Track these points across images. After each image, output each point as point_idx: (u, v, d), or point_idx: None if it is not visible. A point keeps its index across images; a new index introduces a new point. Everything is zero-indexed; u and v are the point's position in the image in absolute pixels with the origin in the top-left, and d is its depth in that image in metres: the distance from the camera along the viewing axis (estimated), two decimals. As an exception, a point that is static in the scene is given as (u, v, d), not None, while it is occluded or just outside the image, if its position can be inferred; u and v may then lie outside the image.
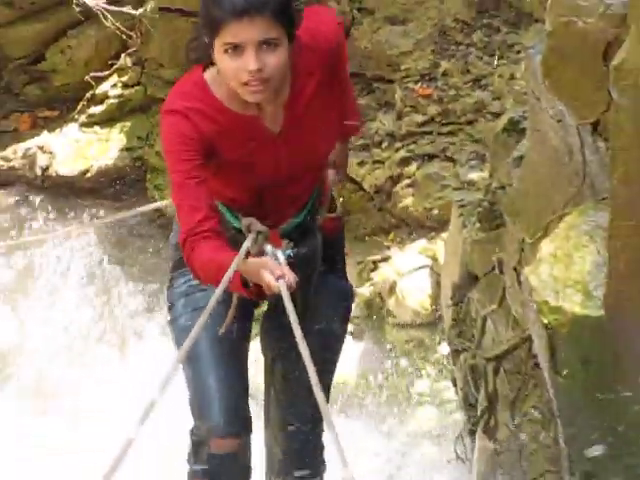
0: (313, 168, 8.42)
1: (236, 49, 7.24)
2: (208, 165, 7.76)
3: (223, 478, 8.98)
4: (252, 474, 9.44)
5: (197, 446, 8.92)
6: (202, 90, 7.76)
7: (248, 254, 7.43)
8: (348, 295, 9.43)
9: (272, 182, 8.05)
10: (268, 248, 7.48)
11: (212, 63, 7.56)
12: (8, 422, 16.35)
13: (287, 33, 7.40)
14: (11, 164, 16.98)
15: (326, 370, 8.87)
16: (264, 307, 9.26)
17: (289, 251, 7.70)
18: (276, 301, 7.59)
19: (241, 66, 7.21)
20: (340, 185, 8.93)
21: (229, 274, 7.08)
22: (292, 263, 7.40)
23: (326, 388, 8.80)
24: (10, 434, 16.15)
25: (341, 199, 13.73)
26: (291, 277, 7.02)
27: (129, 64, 16.16)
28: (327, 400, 8.04)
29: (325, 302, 8.90)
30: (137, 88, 16.28)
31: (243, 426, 8.85)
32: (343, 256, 9.49)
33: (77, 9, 15.86)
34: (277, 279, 7.01)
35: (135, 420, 6.45)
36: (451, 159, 14.94)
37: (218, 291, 7.19)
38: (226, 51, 7.23)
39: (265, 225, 7.70)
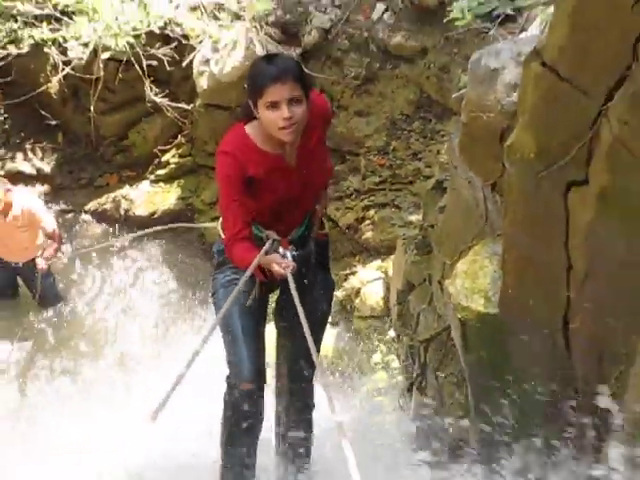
0: (312, 193, 8.91)
1: (274, 105, 7.96)
2: (247, 188, 8.33)
3: (244, 407, 9.06)
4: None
5: (230, 387, 9.24)
6: (244, 137, 8.43)
7: (267, 253, 8.41)
8: (333, 285, 9.97)
9: (286, 199, 8.55)
10: (280, 250, 8.45)
11: (252, 118, 8.32)
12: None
13: (305, 93, 8.10)
14: (104, 207, 16.70)
15: (318, 334, 9.32)
16: (276, 294, 9.63)
17: (293, 252, 8.49)
18: (283, 284, 8.60)
19: (278, 116, 7.95)
20: (324, 213, 9.37)
21: (254, 264, 8.29)
22: (294, 260, 8.36)
23: (318, 346, 9.07)
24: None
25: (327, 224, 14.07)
26: (293, 267, 8.19)
27: (183, 141, 15.90)
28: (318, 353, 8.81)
29: (317, 288, 9.27)
30: (188, 158, 16.01)
31: (261, 376, 9.21)
32: (329, 259, 9.84)
33: (148, 104, 15.61)
34: (284, 269, 8.16)
35: (183, 364, 7.39)
36: (398, 207, 15.04)
37: (247, 272, 8.35)
38: (267, 107, 7.98)
39: (278, 235, 8.56)
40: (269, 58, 8.57)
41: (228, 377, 9.20)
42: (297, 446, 9.51)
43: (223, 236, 8.93)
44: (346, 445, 6.32)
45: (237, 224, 8.44)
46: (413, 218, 12.49)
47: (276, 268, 8.23)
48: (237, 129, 8.56)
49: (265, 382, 9.27)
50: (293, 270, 8.20)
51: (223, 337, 9.09)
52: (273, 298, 9.71)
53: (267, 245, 8.45)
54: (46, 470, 11.91)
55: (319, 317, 9.40)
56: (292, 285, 8.16)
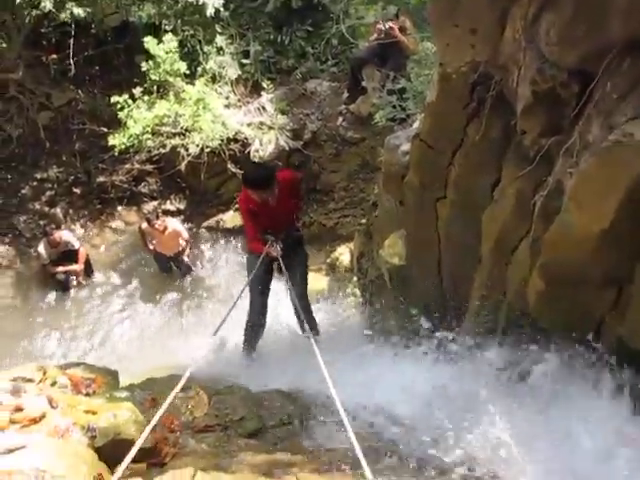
0: (286, 218, 9.36)
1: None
2: (253, 216, 9.01)
3: (254, 331, 9.80)
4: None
5: (247, 323, 9.80)
6: (247, 193, 8.85)
7: (267, 244, 9.01)
8: (306, 256, 10.09)
9: (273, 221, 9.05)
10: (274, 245, 8.99)
11: None
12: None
13: (267, 187, 8.61)
14: (210, 224, 16.55)
15: (302, 286, 9.76)
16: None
17: (280, 245, 9.03)
18: (278, 261, 9.08)
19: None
20: (297, 226, 9.94)
21: (265, 251, 8.93)
22: (282, 249, 9.02)
23: (305, 290, 9.87)
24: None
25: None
26: (280, 251, 8.95)
27: None
28: (306, 294, 9.94)
29: (296, 262, 9.52)
30: None
31: (263, 315, 9.78)
32: (303, 247, 10.04)
33: (228, 173, 15.56)
34: (276, 252, 8.98)
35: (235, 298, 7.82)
36: (355, 216, 14.86)
37: (262, 256, 8.90)
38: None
39: (273, 236, 9.07)
40: (248, 175, 9.01)
41: (247, 318, 9.78)
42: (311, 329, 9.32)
43: (247, 236, 9.84)
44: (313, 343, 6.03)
45: (251, 232, 9.27)
46: (363, 221, 12.33)
47: (272, 253, 9.00)
48: (245, 190, 8.91)
49: (265, 317, 9.91)
50: (279, 253, 8.98)
51: (249, 293, 9.58)
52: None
53: (268, 242, 9.05)
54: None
55: (301, 272, 9.75)
56: (281, 261, 8.97)
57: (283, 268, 9.00)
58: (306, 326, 7.70)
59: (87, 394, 6.93)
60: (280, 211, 9.09)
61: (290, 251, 9.32)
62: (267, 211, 8.95)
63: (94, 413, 6.05)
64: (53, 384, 6.72)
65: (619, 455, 5.54)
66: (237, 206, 15.81)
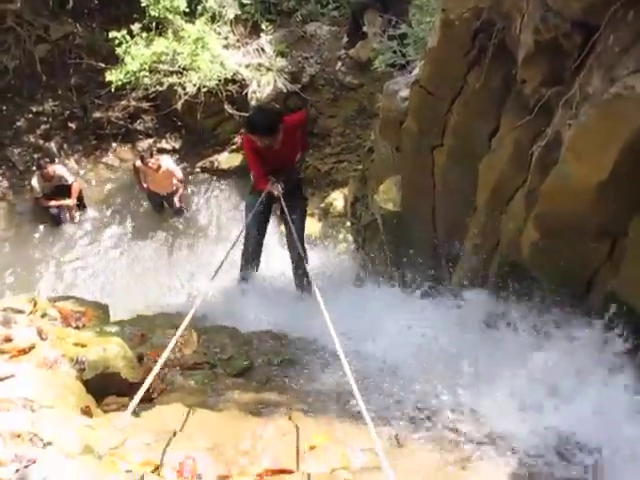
0: (289, 160, 9.46)
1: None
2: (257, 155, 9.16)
3: (250, 254, 9.93)
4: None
5: (241, 258, 10.07)
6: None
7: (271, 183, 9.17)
8: (306, 199, 10.45)
9: (276, 163, 9.16)
10: (276, 184, 9.12)
11: None
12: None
13: (271, 132, 8.76)
14: (206, 165, 16.37)
15: (300, 228, 9.73)
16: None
17: (282, 184, 9.15)
18: (279, 201, 9.12)
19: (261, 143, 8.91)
20: (298, 168, 10.06)
21: (267, 189, 9.16)
22: (282, 188, 9.13)
23: (302, 232, 9.88)
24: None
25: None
26: (282, 190, 9.06)
27: (242, 132, 15.61)
28: (303, 236, 9.91)
29: (296, 203, 9.57)
30: None
31: (258, 247, 9.95)
32: (302, 191, 10.32)
33: (225, 114, 15.47)
34: (278, 191, 9.08)
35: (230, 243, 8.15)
36: (350, 161, 14.80)
37: (263, 194, 9.15)
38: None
39: (275, 177, 9.16)
40: (250, 121, 9.17)
41: (241, 252, 9.96)
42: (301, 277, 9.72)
43: (252, 173, 9.76)
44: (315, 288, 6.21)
45: (257, 168, 9.33)
46: (358, 167, 12.32)
47: (274, 191, 9.08)
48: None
49: (260, 256, 10.06)
50: (280, 192, 9.03)
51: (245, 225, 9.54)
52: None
53: (270, 182, 9.13)
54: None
55: (299, 212, 9.75)
56: (282, 200, 9.00)
57: (284, 207, 8.93)
58: (309, 287, 8.18)
59: (77, 327, 6.98)
60: (283, 155, 9.22)
61: (290, 194, 9.34)
62: (270, 154, 9.04)
63: (83, 346, 6.06)
64: (43, 316, 6.75)
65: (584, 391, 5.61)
66: (233, 147, 15.93)
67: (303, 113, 10.39)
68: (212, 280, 6.66)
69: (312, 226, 13.60)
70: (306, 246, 10.27)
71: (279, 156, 9.12)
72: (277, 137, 8.81)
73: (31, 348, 5.77)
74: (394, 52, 11.00)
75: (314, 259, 11.16)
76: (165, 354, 4.84)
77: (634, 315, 5.45)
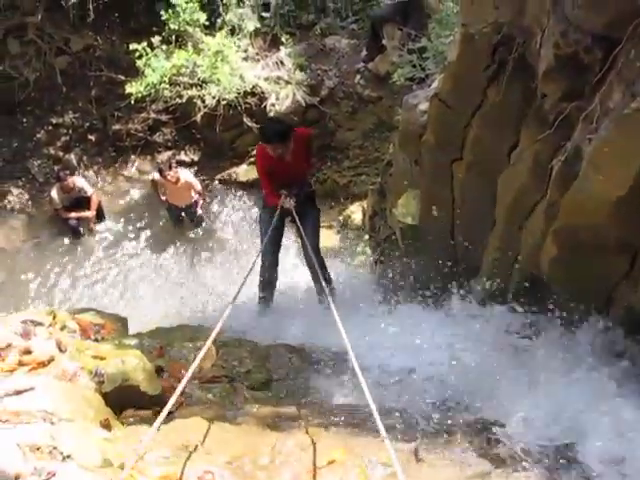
0: (300, 174, 9.68)
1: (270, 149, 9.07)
2: (269, 172, 9.34)
3: (267, 286, 10.07)
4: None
5: (260, 278, 10.01)
6: (265, 150, 9.15)
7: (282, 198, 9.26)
8: (318, 212, 10.21)
9: (287, 177, 9.32)
10: (288, 198, 9.26)
11: None
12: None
13: (284, 141, 8.90)
14: (224, 177, 16.47)
15: (315, 238, 9.84)
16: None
17: (293, 199, 9.28)
18: (292, 215, 9.32)
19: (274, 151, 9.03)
20: (309, 181, 10.49)
21: (280, 204, 9.24)
22: (296, 202, 9.28)
23: (317, 244, 9.97)
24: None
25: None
26: (294, 204, 9.21)
27: None
28: (318, 248, 10.02)
29: (309, 216, 9.70)
30: None
31: (275, 265, 10.05)
32: (315, 203, 10.26)
33: (244, 126, 15.48)
34: (290, 206, 9.21)
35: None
36: (368, 174, 14.77)
37: (278, 210, 9.24)
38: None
39: (287, 191, 9.31)
40: (265, 130, 9.38)
41: (260, 266, 9.84)
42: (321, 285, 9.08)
43: (263, 191, 9.87)
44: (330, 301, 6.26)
45: (268, 186, 9.49)
46: (376, 180, 12.31)
47: (286, 205, 9.23)
48: (262, 146, 9.28)
49: (277, 266, 10.12)
50: (293, 206, 9.20)
51: (261, 242, 9.95)
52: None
53: (282, 196, 9.27)
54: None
55: (312, 223, 9.86)
56: (294, 214, 9.20)
57: (297, 221, 9.18)
58: (326, 290, 7.55)
59: (96, 339, 6.95)
60: (295, 167, 9.40)
61: (303, 206, 9.54)
62: (283, 167, 9.20)
63: (102, 358, 6.05)
64: (62, 328, 6.72)
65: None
66: (252, 160, 15.94)
67: (310, 130, 10.52)
68: (234, 302, 6.59)
69: (330, 239, 13.66)
70: (323, 256, 10.41)
71: (290, 169, 9.33)
72: (289, 145, 9.01)
73: (50, 360, 5.76)
74: (413, 66, 10.98)
75: (331, 272, 11.15)
76: (190, 371, 4.83)
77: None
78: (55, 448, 4.11)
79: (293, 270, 11.86)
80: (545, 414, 5.72)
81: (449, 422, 5.68)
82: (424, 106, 8.07)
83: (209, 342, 5.39)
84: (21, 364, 5.63)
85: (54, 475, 3.76)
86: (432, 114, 7.64)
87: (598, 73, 5.22)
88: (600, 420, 5.53)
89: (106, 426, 5.10)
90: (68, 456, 4.09)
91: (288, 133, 8.98)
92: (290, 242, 12.46)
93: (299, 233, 9.75)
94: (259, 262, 9.72)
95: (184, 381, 4.67)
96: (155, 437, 4.75)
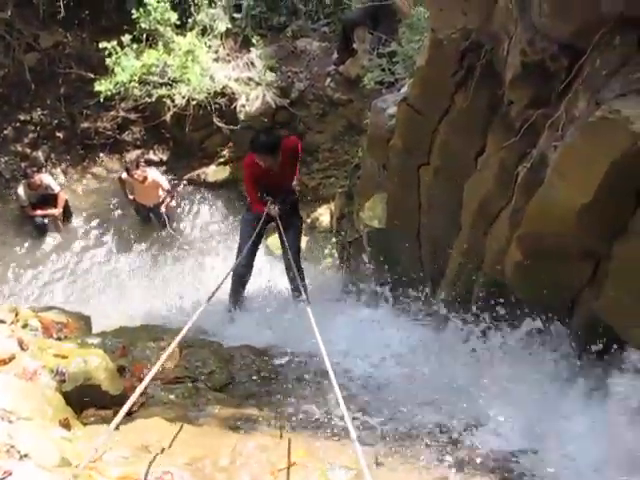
0: (286, 182, 9.87)
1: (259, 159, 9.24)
2: (255, 181, 9.49)
3: (240, 276, 10.00)
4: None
5: (232, 276, 9.72)
6: (253, 158, 9.25)
7: (267, 205, 9.46)
8: (301, 220, 10.57)
9: (273, 185, 9.55)
10: (272, 206, 9.46)
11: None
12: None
13: (273, 152, 9.13)
14: (193, 177, 16.36)
15: (295, 245, 10.04)
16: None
17: (278, 206, 9.50)
18: (275, 221, 9.54)
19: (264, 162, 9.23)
20: (294, 189, 10.33)
21: (265, 211, 9.40)
22: (279, 209, 9.49)
23: (298, 251, 10.22)
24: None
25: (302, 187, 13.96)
26: (278, 211, 9.43)
27: (231, 144, 15.59)
28: (299, 255, 10.27)
29: (291, 224, 9.82)
30: (233, 153, 15.60)
31: (250, 266, 10.09)
32: (298, 208, 10.46)
33: (214, 127, 15.39)
34: (274, 212, 9.43)
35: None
36: (337, 177, 14.75)
37: (263, 216, 9.40)
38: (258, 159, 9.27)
39: (272, 198, 9.51)
40: (255, 140, 9.34)
41: (236, 263, 9.55)
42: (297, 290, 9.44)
43: (248, 198, 10.08)
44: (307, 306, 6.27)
45: (253, 194, 9.66)
46: (344, 182, 12.34)
47: (272, 213, 9.46)
48: (251, 155, 9.35)
49: (252, 266, 10.16)
50: (277, 213, 9.44)
51: (239, 242, 10.18)
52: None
53: (268, 204, 9.47)
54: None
55: (294, 232, 10.03)
56: (278, 220, 9.46)
57: (280, 228, 9.42)
58: (301, 289, 8.21)
59: (58, 338, 6.92)
60: (281, 176, 9.69)
61: (286, 214, 9.77)
62: (270, 176, 9.44)
63: (64, 357, 6.02)
64: (24, 326, 6.69)
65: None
66: (221, 160, 15.96)
67: (298, 141, 10.44)
68: (208, 302, 6.54)
69: (298, 241, 13.71)
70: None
71: (277, 178, 9.57)
72: (278, 157, 9.25)
73: (11, 359, 5.73)
74: (382, 70, 11.01)
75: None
76: (152, 371, 4.78)
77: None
78: (13, 447, 4.08)
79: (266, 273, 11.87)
80: (507, 421, 5.78)
81: (409, 426, 5.72)
82: (392, 110, 8.11)
83: (174, 343, 5.33)
84: (-19, 362, 5.61)
85: (10, 474, 3.73)
86: (400, 118, 7.67)
87: (564, 81, 5.27)
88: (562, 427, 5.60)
89: (65, 425, 5.07)
90: (25, 455, 4.06)
91: (277, 146, 9.22)
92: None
93: (281, 239, 9.82)
94: (234, 261, 9.89)
95: (145, 381, 4.62)
96: (114, 437, 4.75)
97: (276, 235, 10.73)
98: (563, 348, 6.14)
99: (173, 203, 15.79)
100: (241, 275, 10.10)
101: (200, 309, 6.01)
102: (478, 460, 5.11)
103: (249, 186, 9.81)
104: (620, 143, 4.68)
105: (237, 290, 10.26)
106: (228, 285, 10.04)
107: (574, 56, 5.12)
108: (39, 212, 15.22)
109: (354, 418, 5.67)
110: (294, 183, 10.31)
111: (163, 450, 4.78)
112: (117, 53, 14.37)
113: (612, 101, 4.69)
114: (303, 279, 9.95)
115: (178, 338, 5.41)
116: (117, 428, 4.97)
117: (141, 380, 5.99)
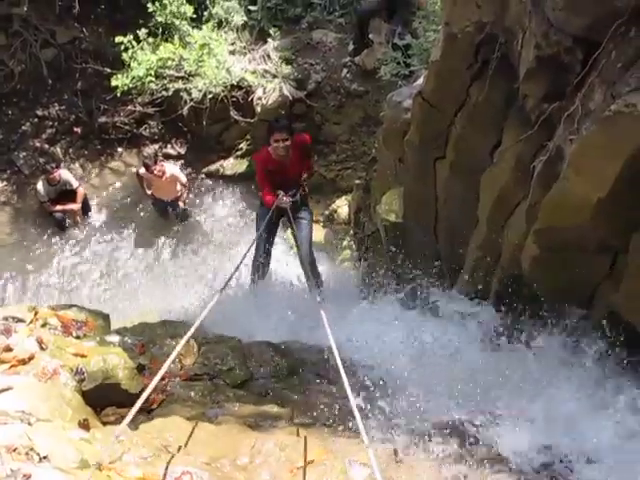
0: (297, 176, 10.17)
1: (276, 140, 9.52)
2: (268, 173, 9.79)
3: (258, 270, 10.36)
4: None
5: (252, 263, 10.36)
6: (267, 151, 9.78)
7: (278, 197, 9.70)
8: (311, 213, 10.70)
9: (285, 179, 9.92)
10: (284, 198, 9.68)
11: (268, 144, 9.71)
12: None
13: (289, 136, 9.57)
14: (211, 170, 16.31)
15: (308, 237, 10.38)
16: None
17: (289, 199, 9.76)
18: (287, 214, 9.77)
19: (281, 145, 9.46)
20: (304, 184, 10.37)
21: (275, 203, 9.67)
22: (291, 202, 9.77)
23: (310, 246, 10.45)
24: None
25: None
26: (290, 203, 9.67)
27: (248, 137, 15.53)
28: (311, 250, 10.48)
29: (302, 215, 10.28)
30: (250, 146, 15.54)
31: (267, 256, 10.42)
32: (308, 205, 10.69)
33: (231, 120, 15.34)
34: (286, 205, 9.65)
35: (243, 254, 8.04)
36: (354, 169, 14.70)
37: (272, 208, 9.71)
38: (276, 141, 9.49)
39: (283, 192, 9.78)
40: (276, 121, 10.07)
41: (253, 257, 10.27)
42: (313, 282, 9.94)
43: (260, 192, 10.37)
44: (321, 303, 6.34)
45: (265, 187, 9.98)
46: (362, 174, 12.32)
47: (283, 205, 9.72)
48: (264, 147, 10.02)
49: (270, 258, 10.55)
50: (288, 205, 9.69)
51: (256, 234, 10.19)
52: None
53: (279, 196, 9.73)
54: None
55: (306, 227, 10.40)
56: (289, 213, 9.70)
57: (291, 220, 9.82)
58: (314, 288, 8.64)
59: (77, 336, 6.94)
60: (292, 170, 10.08)
61: (297, 207, 10.19)
62: (282, 170, 9.91)
63: (83, 356, 6.07)
64: (44, 325, 6.71)
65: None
66: (238, 153, 15.93)
67: (308, 137, 10.54)
68: (222, 291, 6.53)
69: (316, 232, 13.60)
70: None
71: (288, 172, 9.98)
72: (289, 144, 9.65)
73: (31, 358, 5.77)
74: (398, 63, 11.04)
75: (318, 266, 11.17)
76: (164, 367, 4.80)
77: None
78: (32, 449, 4.11)
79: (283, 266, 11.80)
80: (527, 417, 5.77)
81: (429, 423, 5.71)
82: (408, 104, 8.09)
83: (190, 333, 5.34)
84: (1, 362, 5.63)
85: (30, 477, 3.75)
86: (415, 112, 7.65)
87: (579, 74, 5.23)
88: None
89: (84, 426, 5.10)
90: (44, 457, 4.09)
91: (291, 128, 9.87)
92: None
93: (293, 233, 10.49)
94: (253, 249, 10.02)
95: (157, 377, 4.62)
96: (134, 436, 4.77)
97: (293, 228, 10.94)
98: (593, 347, 6.14)
99: (191, 196, 15.84)
100: (261, 260, 10.38)
101: (214, 300, 6.00)
102: (498, 458, 5.11)
103: (261, 179, 10.17)
104: (636, 137, 4.66)
105: (256, 272, 10.49)
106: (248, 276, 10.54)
107: (589, 49, 5.09)
108: (58, 207, 15.24)
109: (372, 415, 5.71)
110: (303, 177, 10.36)
111: (180, 449, 4.81)
112: (133, 47, 14.41)
113: (628, 95, 4.66)
114: (317, 275, 10.55)
115: (192, 329, 5.42)
116: (136, 428, 5.02)
117: (161, 378, 6.05)
